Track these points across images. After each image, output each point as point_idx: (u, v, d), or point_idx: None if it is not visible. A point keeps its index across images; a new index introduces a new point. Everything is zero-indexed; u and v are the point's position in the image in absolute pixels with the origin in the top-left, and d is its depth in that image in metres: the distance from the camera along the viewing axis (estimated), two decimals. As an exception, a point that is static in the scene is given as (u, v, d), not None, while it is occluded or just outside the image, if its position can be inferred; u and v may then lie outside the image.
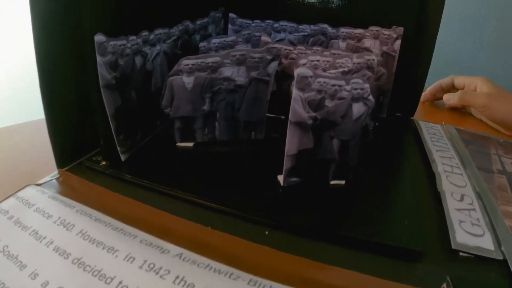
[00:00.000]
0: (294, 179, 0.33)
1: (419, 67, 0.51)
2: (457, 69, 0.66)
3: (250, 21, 0.51)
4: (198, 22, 0.46)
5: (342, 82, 0.29)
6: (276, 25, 0.50)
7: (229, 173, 0.36)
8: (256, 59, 0.36)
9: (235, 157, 0.38)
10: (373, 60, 0.39)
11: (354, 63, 0.39)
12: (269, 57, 0.36)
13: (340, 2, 0.49)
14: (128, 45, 0.35)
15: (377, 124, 0.48)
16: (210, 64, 0.36)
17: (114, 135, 0.35)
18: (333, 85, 0.29)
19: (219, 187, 0.33)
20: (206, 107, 0.38)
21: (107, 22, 0.34)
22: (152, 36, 0.38)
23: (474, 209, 0.33)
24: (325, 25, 0.49)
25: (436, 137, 0.48)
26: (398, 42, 0.48)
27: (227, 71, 0.37)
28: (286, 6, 0.50)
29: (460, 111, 0.62)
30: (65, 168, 0.36)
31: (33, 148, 0.41)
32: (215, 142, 0.40)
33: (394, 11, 0.48)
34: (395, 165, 0.41)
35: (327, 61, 0.39)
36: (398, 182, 0.38)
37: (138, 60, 0.37)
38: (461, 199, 0.35)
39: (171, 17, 0.42)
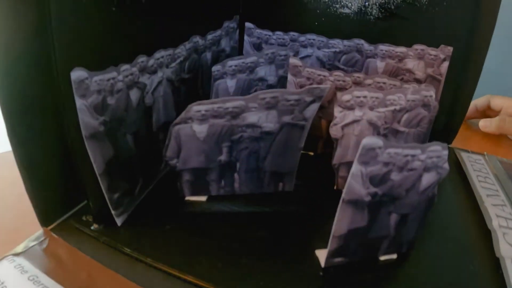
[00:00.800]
0: (338, 259, 0.26)
1: (463, 92, 0.44)
2: (495, 88, 0.59)
3: (270, 33, 0.43)
4: (209, 37, 0.38)
5: (417, 151, 0.22)
6: (302, 38, 0.42)
7: (251, 244, 0.28)
8: (292, 102, 0.28)
9: (258, 219, 0.31)
10: (431, 96, 0.32)
11: (408, 100, 0.32)
12: (308, 99, 0.28)
13: (380, 14, 0.41)
14: (120, 77, 0.27)
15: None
16: (230, 109, 0.28)
17: (106, 197, 0.28)
18: (405, 156, 0.22)
19: (238, 267, 0.26)
20: (223, 157, 0.31)
21: (88, 51, 0.25)
22: (151, 62, 0.30)
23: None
24: (361, 41, 0.41)
25: (483, 175, 0.42)
26: (446, 64, 0.41)
27: (252, 117, 0.29)
28: (315, 16, 0.42)
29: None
30: (51, 227, 0.29)
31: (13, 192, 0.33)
32: (234, 196, 0.33)
33: (443, 27, 0.40)
34: (445, 219, 0.34)
35: (376, 98, 0.31)
36: (450, 243, 0.31)
37: (134, 94, 0.29)
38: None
39: (176, 34, 0.34)
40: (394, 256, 0.28)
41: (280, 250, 0.28)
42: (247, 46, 0.43)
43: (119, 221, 0.29)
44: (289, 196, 0.33)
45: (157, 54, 0.31)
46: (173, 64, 0.33)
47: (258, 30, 0.43)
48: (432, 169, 0.24)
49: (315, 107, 0.29)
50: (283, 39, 0.42)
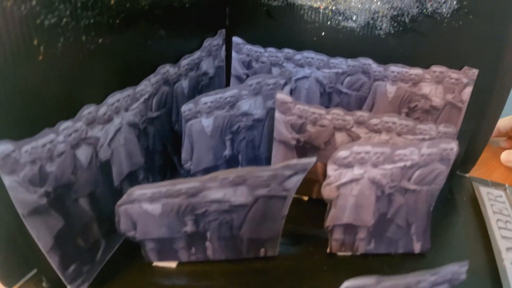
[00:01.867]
0: None
1: (486, 120, 0.37)
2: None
3: (262, 49, 0.36)
4: (184, 62, 0.32)
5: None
6: (298, 56, 0.36)
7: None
8: (265, 178, 0.23)
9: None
10: (452, 149, 0.26)
11: (422, 155, 0.26)
12: (288, 173, 0.23)
13: (391, 28, 0.34)
14: (60, 138, 0.22)
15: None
16: (184, 191, 0.23)
17: (58, 273, 0.23)
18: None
19: None
20: (188, 229, 0.25)
21: (11, 116, 0.20)
22: (103, 110, 0.25)
23: None
24: (369, 61, 0.35)
25: (504, 220, 0.36)
26: (469, 89, 0.34)
27: (215, 194, 0.24)
28: (313, 30, 0.35)
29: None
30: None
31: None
32: (207, 261, 0.28)
33: (467, 45, 0.33)
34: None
35: (381, 153, 0.25)
36: None
37: (83, 152, 0.24)
38: None
39: (137, 69, 0.28)
40: None
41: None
42: (235, 65, 0.37)
43: (76, 296, 0.25)
44: (273, 262, 0.28)
45: (111, 99, 0.25)
46: (135, 105, 0.28)
47: (248, 46, 0.37)
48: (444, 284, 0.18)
49: (298, 178, 0.23)
50: (277, 56, 0.36)
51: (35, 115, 0.22)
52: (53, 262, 0.23)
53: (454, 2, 0.32)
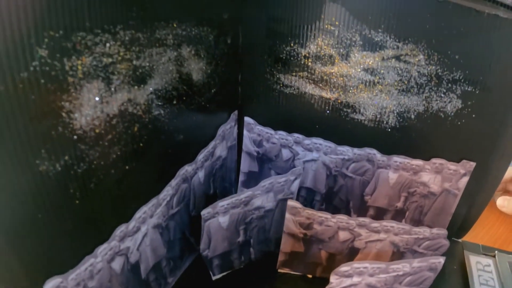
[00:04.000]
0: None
1: (478, 201, 0.40)
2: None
3: (272, 131, 0.38)
4: (200, 157, 0.34)
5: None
6: (307, 141, 0.38)
7: None
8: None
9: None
10: (439, 262, 0.29)
11: (413, 267, 0.29)
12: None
13: (397, 123, 0.36)
14: (98, 259, 0.26)
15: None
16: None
17: None
18: None
19: None
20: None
21: (58, 254, 0.23)
22: (132, 224, 0.28)
23: None
24: (374, 151, 0.37)
25: (490, 291, 0.40)
26: (465, 179, 0.37)
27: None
28: (323, 119, 0.37)
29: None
30: None
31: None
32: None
33: (466, 141, 0.36)
34: None
35: (378, 267, 0.29)
36: None
37: (117, 262, 0.28)
38: None
39: (159, 182, 0.31)
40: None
41: None
42: (247, 142, 0.39)
43: None
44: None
45: (138, 214, 0.28)
46: (158, 210, 0.31)
47: (259, 127, 0.39)
48: None
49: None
50: (286, 139, 0.38)
51: (77, 249, 0.25)
52: None
53: (459, 102, 0.34)
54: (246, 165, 0.40)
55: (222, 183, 0.40)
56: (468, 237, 0.46)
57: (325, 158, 0.38)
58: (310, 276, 0.37)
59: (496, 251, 0.44)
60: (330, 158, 0.38)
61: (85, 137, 0.23)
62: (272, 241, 0.37)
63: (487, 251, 0.44)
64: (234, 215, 0.33)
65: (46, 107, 0.20)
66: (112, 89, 0.25)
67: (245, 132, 0.39)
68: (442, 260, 0.29)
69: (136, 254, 0.30)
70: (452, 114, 0.35)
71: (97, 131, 0.24)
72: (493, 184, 0.39)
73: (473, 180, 0.37)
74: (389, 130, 0.36)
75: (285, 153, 0.39)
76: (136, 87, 0.27)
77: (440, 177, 0.37)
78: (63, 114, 0.21)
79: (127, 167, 0.27)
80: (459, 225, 0.42)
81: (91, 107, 0.23)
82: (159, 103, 0.29)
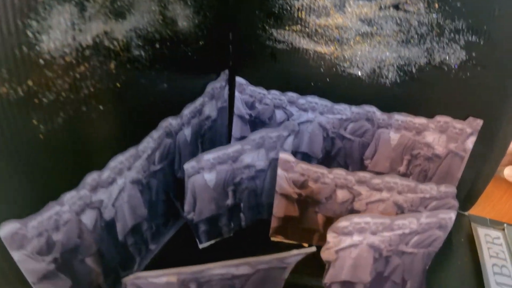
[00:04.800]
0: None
1: (488, 162, 0.37)
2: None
3: (265, 91, 0.36)
4: (187, 111, 0.32)
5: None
6: (301, 100, 0.35)
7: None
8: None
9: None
10: (450, 218, 0.26)
11: (421, 224, 0.26)
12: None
13: (397, 77, 0.33)
14: (65, 208, 0.23)
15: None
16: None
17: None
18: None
19: None
20: (230, 201, 0.32)
21: (17, 195, 0.21)
22: (106, 174, 0.25)
23: None
24: (373, 108, 0.34)
25: (499, 265, 0.37)
26: (472, 139, 0.34)
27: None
28: (318, 76, 0.34)
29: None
30: None
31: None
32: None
33: (473, 96, 0.33)
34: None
35: (381, 223, 0.26)
36: None
37: (88, 217, 0.25)
38: None
39: (137, 129, 0.28)
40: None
41: None
42: (238, 105, 0.37)
43: None
44: None
45: (113, 163, 0.26)
46: (138, 163, 0.28)
47: (251, 87, 0.36)
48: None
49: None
50: (280, 99, 0.36)
51: (38, 192, 0.22)
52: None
53: (463, 53, 0.32)
54: (238, 129, 0.38)
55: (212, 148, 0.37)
56: (474, 212, 0.43)
57: (321, 119, 0.35)
58: (305, 245, 0.34)
59: (505, 224, 0.41)
60: (326, 118, 0.35)
61: (53, 63, 0.21)
62: (264, 207, 0.34)
63: (495, 225, 0.41)
64: (221, 173, 0.30)
65: (11, 23, 0.18)
66: (87, 16, 0.22)
67: (236, 93, 0.37)
68: (453, 215, 0.26)
69: (111, 210, 0.27)
70: (456, 67, 0.32)
71: (67, 59, 0.22)
72: (501, 148, 0.36)
73: (480, 141, 0.35)
74: (389, 85, 0.34)
75: (279, 115, 0.36)
76: (113, 20, 0.24)
77: (445, 137, 0.34)
78: (29, 34, 0.19)
79: (101, 107, 0.25)
80: (465, 195, 0.39)
81: (62, 31, 0.21)
82: (140, 43, 0.27)
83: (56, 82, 0.22)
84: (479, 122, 0.34)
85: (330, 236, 0.26)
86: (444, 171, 0.36)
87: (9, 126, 0.20)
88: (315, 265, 0.31)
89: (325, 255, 0.27)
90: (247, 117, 0.37)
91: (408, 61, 0.33)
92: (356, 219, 0.25)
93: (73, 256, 0.24)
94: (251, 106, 0.37)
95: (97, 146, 0.25)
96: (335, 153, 0.36)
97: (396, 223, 0.26)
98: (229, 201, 0.32)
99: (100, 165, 0.25)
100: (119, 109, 0.26)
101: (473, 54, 0.32)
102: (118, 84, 0.26)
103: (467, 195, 0.40)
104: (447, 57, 0.32)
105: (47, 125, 0.21)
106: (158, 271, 0.23)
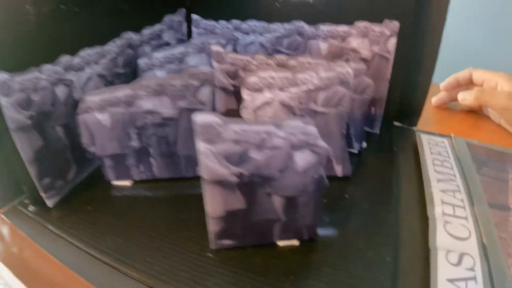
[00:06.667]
0: (227, 241, 0.26)
1: (421, 69, 0.41)
2: (478, 63, 0.54)
3: (215, 22, 0.43)
4: (146, 32, 0.39)
5: (271, 128, 0.21)
6: (244, 25, 0.42)
7: (153, 224, 0.30)
8: (179, 87, 0.29)
9: (171, 202, 0.32)
10: (347, 72, 0.31)
11: (321, 78, 0.31)
12: (196, 83, 0.29)
13: (318, -7, 0.39)
14: (43, 76, 0.30)
15: (364, 145, 0.39)
16: (122, 98, 0.30)
17: (35, 181, 0.30)
18: (257, 132, 0.21)
19: (134, 244, 0.28)
20: (135, 143, 0.32)
21: (8, 56, 0.28)
22: (77, 60, 0.32)
23: (474, 279, 0.25)
24: (301, 23, 0.40)
25: (440, 159, 0.39)
26: (393, 40, 0.39)
27: (146, 104, 0.30)
28: (255, 2, 0.41)
29: (477, 114, 0.51)
30: (3, 210, 0.32)
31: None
32: (156, 180, 0.34)
33: (386, 1, 0.38)
34: (378, 206, 0.32)
35: (285, 78, 0.31)
36: (374, 234, 0.29)
37: (61, 90, 0.32)
38: (459, 262, 0.26)
39: (103, 32, 0.36)
40: (296, 242, 0.28)
41: (179, 231, 0.29)
42: (195, 38, 0.44)
43: (49, 203, 0.32)
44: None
45: (82, 53, 0.33)
46: (103, 61, 0.35)
47: (204, 21, 0.44)
48: (303, 148, 0.23)
49: (208, 90, 0.29)
50: (228, 28, 0.43)
51: (26, 57, 0.29)
52: (32, 172, 0.30)
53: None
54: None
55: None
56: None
57: (261, 39, 0.42)
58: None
59: (452, 135, 0.43)
60: (265, 38, 0.41)
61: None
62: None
63: (443, 137, 0.43)
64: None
65: None
66: None
67: (193, 28, 0.44)
68: (348, 69, 0.30)
69: (79, 92, 0.34)
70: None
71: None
72: (432, 46, 0.39)
73: (402, 42, 0.39)
74: (312, 1, 0.40)
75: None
76: None
77: (368, 40, 0.39)
78: None
79: (75, 10, 0.33)
80: (403, 103, 0.42)
81: None
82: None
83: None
84: (396, 24, 0.38)
85: (245, 93, 0.31)
86: (373, 73, 0.40)
87: (6, 7, 0.28)
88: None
89: (245, 115, 0.32)
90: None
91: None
92: (261, 73, 0.30)
93: (46, 120, 0.30)
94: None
95: (71, 37, 0.33)
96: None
97: (299, 76, 0.30)
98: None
99: (72, 52, 0.32)
100: (89, 14, 0.34)
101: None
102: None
103: (409, 106, 0.43)
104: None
105: (36, 10, 0.30)
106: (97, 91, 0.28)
